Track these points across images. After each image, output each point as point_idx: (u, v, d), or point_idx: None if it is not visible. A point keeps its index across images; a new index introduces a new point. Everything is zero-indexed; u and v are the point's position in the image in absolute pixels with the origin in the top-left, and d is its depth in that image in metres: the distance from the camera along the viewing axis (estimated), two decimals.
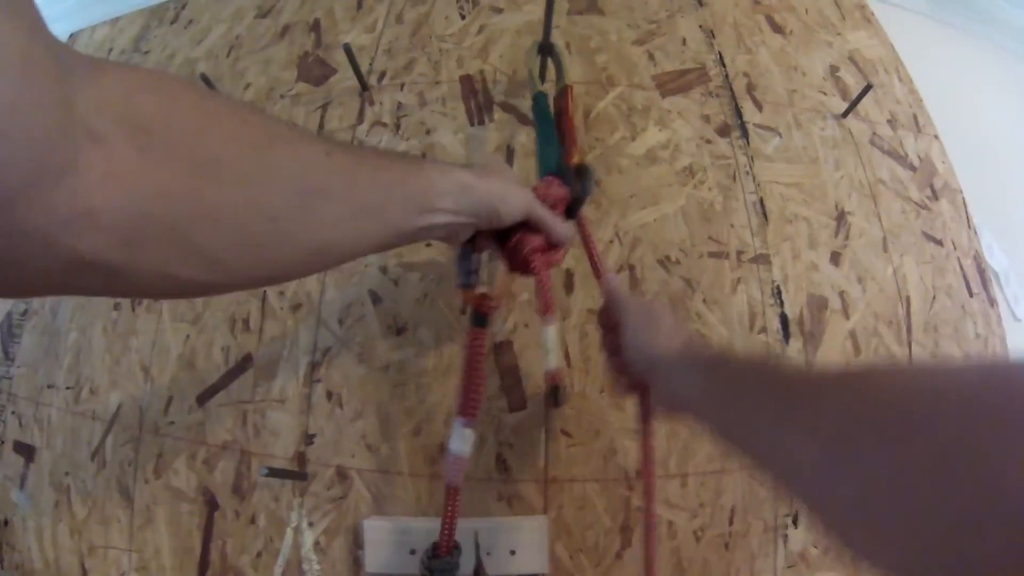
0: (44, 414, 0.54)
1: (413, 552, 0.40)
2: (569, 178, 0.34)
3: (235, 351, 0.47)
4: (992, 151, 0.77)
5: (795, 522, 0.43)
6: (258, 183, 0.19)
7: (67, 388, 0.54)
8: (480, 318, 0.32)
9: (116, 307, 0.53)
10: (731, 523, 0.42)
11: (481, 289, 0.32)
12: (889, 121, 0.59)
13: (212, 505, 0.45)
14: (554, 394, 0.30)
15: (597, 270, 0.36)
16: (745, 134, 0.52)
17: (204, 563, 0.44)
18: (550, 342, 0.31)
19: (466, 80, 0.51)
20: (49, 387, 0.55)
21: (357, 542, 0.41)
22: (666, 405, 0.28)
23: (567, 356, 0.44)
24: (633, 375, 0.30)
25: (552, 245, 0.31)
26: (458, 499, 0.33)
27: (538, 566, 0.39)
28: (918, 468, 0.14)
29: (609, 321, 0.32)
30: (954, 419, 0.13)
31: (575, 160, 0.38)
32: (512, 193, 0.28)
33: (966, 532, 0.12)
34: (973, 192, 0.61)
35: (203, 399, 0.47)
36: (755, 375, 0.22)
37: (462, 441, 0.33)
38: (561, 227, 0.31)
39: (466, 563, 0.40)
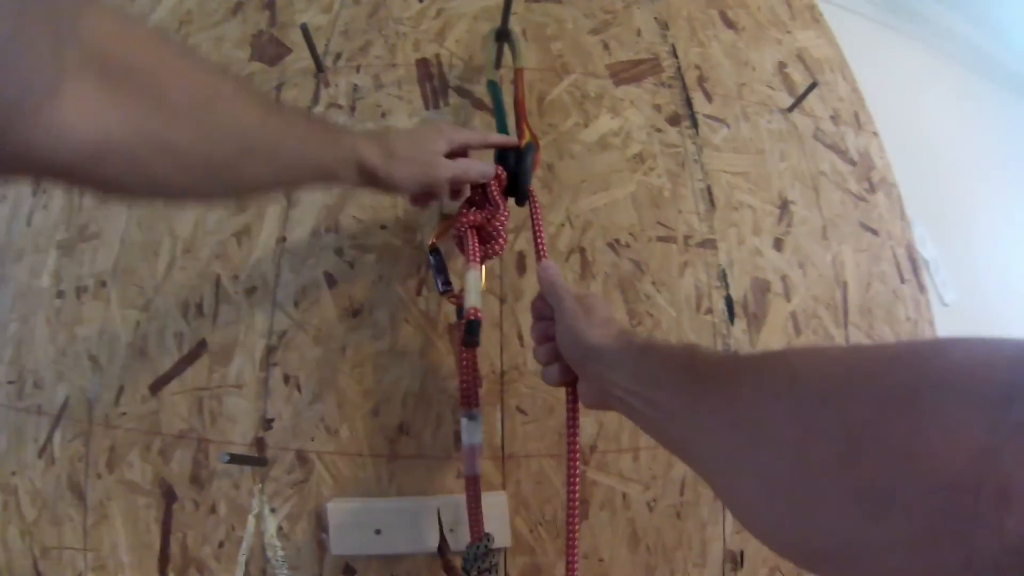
0: None
1: (378, 532, 0.41)
2: (511, 159, 0.37)
3: (189, 337, 0.46)
4: (928, 148, 0.83)
5: None
6: (200, 131, 0.23)
7: (9, 383, 0.51)
8: (462, 311, 0.34)
9: (60, 295, 0.51)
10: (682, 494, 0.45)
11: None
12: (832, 117, 0.62)
13: (170, 497, 0.44)
14: (470, 330, 0.31)
15: (539, 255, 0.37)
16: (695, 124, 0.54)
17: (164, 557, 0.43)
18: (470, 283, 0.33)
19: (422, 64, 0.51)
20: None
21: (321, 525, 0.42)
22: (595, 396, 0.28)
23: (519, 336, 0.45)
24: (562, 365, 0.30)
25: (488, 219, 0.35)
26: (478, 488, 0.36)
27: (500, 540, 0.40)
28: (826, 436, 0.13)
29: (543, 309, 0.31)
30: (865, 392, 0.13)
31: (524, 140, 0.39)
32: (418, 175, 0.33)
33: (866, 515, 0.12)
34: (908, 186, 0.65)
35: (156, 387, 0.46)
36: (679, 360, 0.23)
37: (466, 432, 0.37)
38: (477, 167, 0.36)
39: (430, 540, 0.41)
